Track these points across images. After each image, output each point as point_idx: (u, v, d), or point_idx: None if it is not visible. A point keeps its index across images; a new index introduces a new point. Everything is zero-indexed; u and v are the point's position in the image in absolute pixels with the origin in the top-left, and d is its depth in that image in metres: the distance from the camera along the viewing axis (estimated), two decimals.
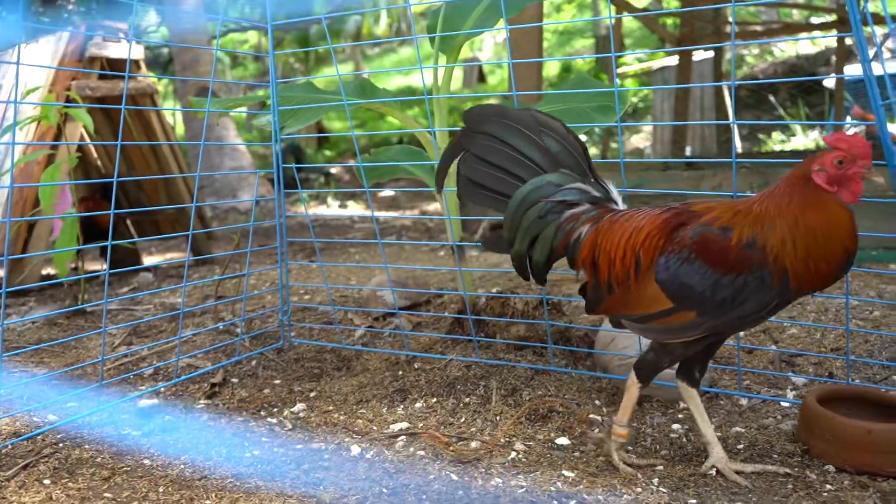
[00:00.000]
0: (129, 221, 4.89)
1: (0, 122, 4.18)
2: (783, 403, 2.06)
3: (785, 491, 1.59)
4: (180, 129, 9.94)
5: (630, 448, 1.83)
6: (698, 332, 1.56)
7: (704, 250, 1.52)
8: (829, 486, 1.60)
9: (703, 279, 1.51)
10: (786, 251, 1.45)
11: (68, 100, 3.57)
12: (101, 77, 4.09)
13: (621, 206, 1.76)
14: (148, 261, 5.10)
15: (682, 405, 2.08)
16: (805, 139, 9.36)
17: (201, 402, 2.27)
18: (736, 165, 1.98)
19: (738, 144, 9.28)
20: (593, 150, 10.42)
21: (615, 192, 1.78)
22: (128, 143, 4.33)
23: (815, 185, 1.46)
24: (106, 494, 1.65)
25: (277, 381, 2.43)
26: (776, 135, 9.59)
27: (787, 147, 9.26)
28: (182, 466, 1.80)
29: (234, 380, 2.46)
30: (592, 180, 1.76)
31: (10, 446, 1.91)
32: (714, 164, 4.75)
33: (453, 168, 1.91)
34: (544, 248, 1.75)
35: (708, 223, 1.55)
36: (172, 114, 11.11)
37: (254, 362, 2.59)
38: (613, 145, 11.62)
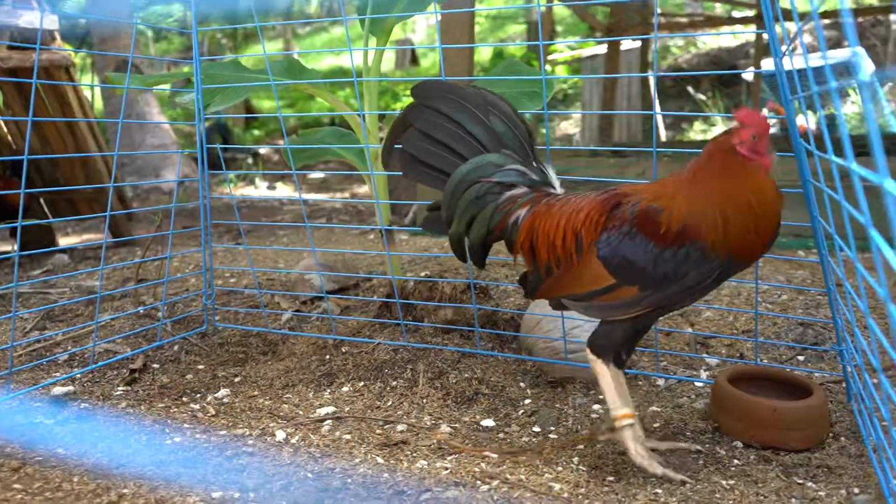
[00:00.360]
0: (42, 201, 4.66)
1: None
2: (697, 383, 2.15)
3: (696, 466, 1.66)
4: (99, 105, 9.51)
5: (553, 427, 1.88)
6: (641, 307, 1.56)
7: (645, 224, 1.53)
8: (736, 461, 1.69)
9: (645, 253, 1.52)
10: (726, 222, 1.48)
11: None
12: (11, 48, 3.87)
13: (559, 190, 1.76)
14: (64, 242, 4.88)
15: None
16: (722, 129, 9.78)
17: (120, 388, 2.20)
18: (657, 154, 2.04)
19: (662, 133, 9.56)
20: None
21: (554, 177, 1.78)
22: (40, 119, 4.12)
23: (742, 157, 1.50)
24: (16, 486, 1.59)
25: (201, 367, 2.38)
26: (698, 125, 9.94)
27: (708, 136, 9.61)
28: (98, 455, 1.74)
29: (156, 365, 2.39)
30: (534, 164, 1.77)
31: None
32: (638, 152, 4.88)
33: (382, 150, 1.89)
34: (481, 229, 1.75)
35: (646, 198, 1.57)
36: (91, 88, 10.62)
37: (176, 347, 2.53)
38: (543, 131, 11.79)
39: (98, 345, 2.47)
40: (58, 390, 2.14)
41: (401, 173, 1.87)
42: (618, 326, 1.62)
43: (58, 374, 2.28)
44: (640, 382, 2.18)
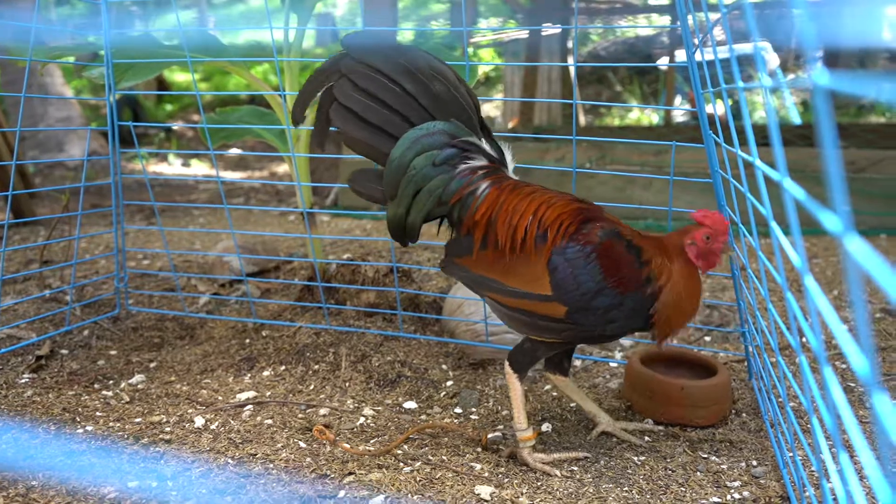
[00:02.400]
0: None
1: None
2: (612, 364, 2.24)
3: (610, 444, 1.74)
4: None
5: (474, 408, 1.92)
6: (558, 334, 1.57)
7: (606, 255, 1.53)
8: (647, 438, 1.77)
9: (591, 281, 1.52)
10: (665, 296, 1.55)
11: None
12: None
13: (511, 173, 1.70)
14: None
15: None
16: (638, 115, 10.05)
17: (25, 375, 2.10)
18: (576, 142, 2.10)
19: (581, 118, 9.78)
20: None
21: (510, 158, 1.71)
22: None
23: (686, 256, 1.57)
24: None
25: (113, 352, 2.30)
26: (615, 111, 10.21)
27: (626, 122, 9.90)
28: (3, 447, 1.67)
29: (64, 351, 2.29)
30: (487, 138, 1.67)
31: None
32: (558, 138, 4.97)
33: (305, 132, 1.85)
34: (429, 199, 1.61)
35: (619, 232, 1.58)
36: None
37: (86, 332, 2.43)
38: None
39: (0, 330, 2.35)
40: None
41: (326, 137, 1.67)
42: (541, 346, 1.63)
43: None
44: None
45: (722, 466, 1.63)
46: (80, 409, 1.88)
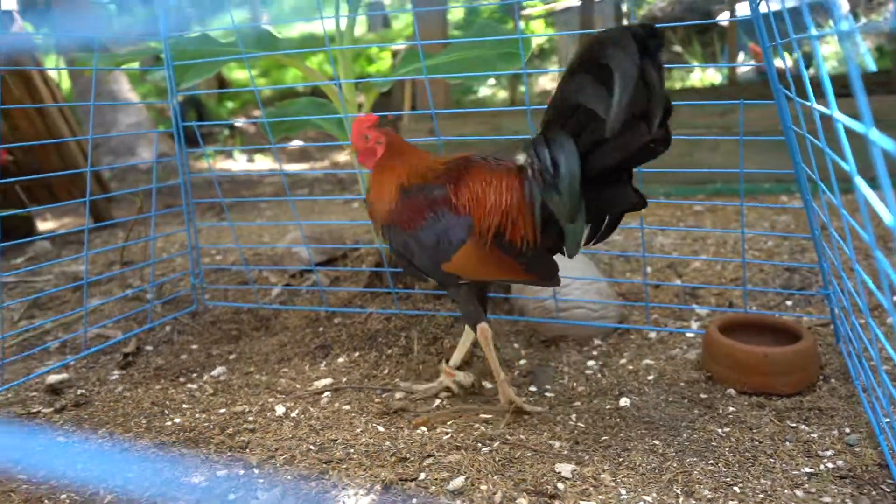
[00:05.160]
0: (18, 188, 4.58)
1: None
2: (688, 334, 2.18)
3: (692, 416, 1.70)
4: (66, 84, 9.29)
5: (549, 385, 1.91)
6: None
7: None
8: (731, 409, 1.72)
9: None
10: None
11: None
12: None
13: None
14: (43, 228, 4.82)
15: (595, 342, 2.17)
16: (703, 75, 9.69)
17: (115, 372, 2.20)
18: None
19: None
20: (502, 95, 10.45)
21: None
22: (9, 107, 4.03)
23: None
24: (19, 476, 1.59)
25: (195, 346, 2.38)
26: (676, 73, 9.88)
27: (687, 84, 9.57)
28: (100, 441, 1.75)
29: (149, 347, 2.39)
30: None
31: None
32: None
33: None
34: None
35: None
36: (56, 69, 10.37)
37: (168, 328, 2.52)
38: (522, 88, 11.69)
39: (89, 330, 2.46)
40: (52, 378, 2.14)
41: None
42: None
43: (51, 363, 2.27)
44: (633, 336, 2.21)
45: (812, 435, 1.57)
46: (167, 402, 1.96)
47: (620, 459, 1.52)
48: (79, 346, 2.39)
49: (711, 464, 1.48)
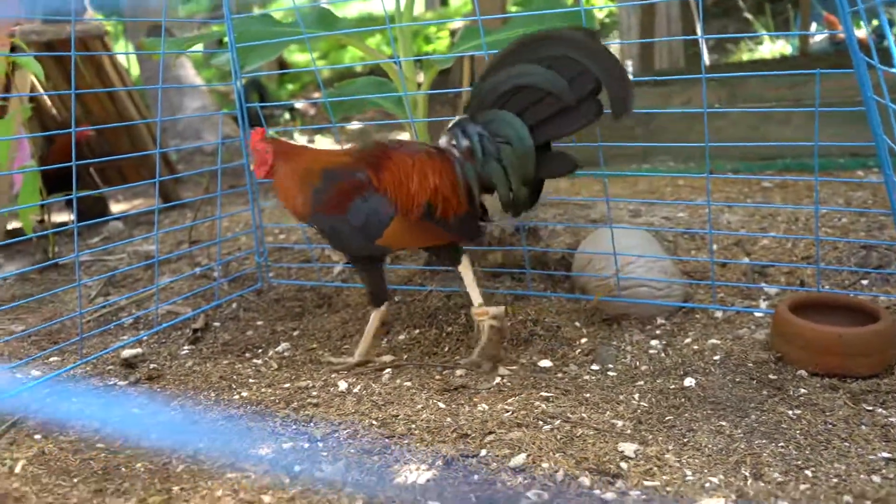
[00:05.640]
0: (92, 170, 4.76)
1: None
2: (756, 314, 2.12)
3: (760, 397, 1.65)
4: (135, 70, 9.57)
5: (611, 364, 1.88)
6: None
7: None
8: (802, 390, 1.66)
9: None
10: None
11: (13, 48, 3.41)
12: (46, 22, 3.90)
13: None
14: (115, 209, 5.00)
15: (658, 321, 2.13)
16: (772, 47, 9.31)
17: (185, 347, 2.27)
18: (705, 81, 1.97)
19: (706, 57, 9.22)
20: None
21: None
22: (83, 91, 4.17)
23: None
24: (98, 445, 1.67)
25: (259, 323, 2.44)
26: (744, 45, 9.52)
27: (756, 56, 9.21)
28: (172, 413, 1.82)
29: (216, 324, 2.46)
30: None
31: None
32: (682, 80, 4.70)
33: (423, 98, 1.86)
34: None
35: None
36: (126, 55, 10.68)
37: (234, 305, 2.59)
38: None
39: (160, 307, 2.55)
40: (127, 353, 2.22)
41: None
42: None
43: (125, 338, 2.37)
44: (698, 315, 2.15)
45: (891, 419, 1.50)
46: (234, 377, 2.01)
47: (686, 440, 1.49)
48: (151, 322, 2.48)
49: (782, 446, 1.44)
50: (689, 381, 1.75)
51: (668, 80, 4.90)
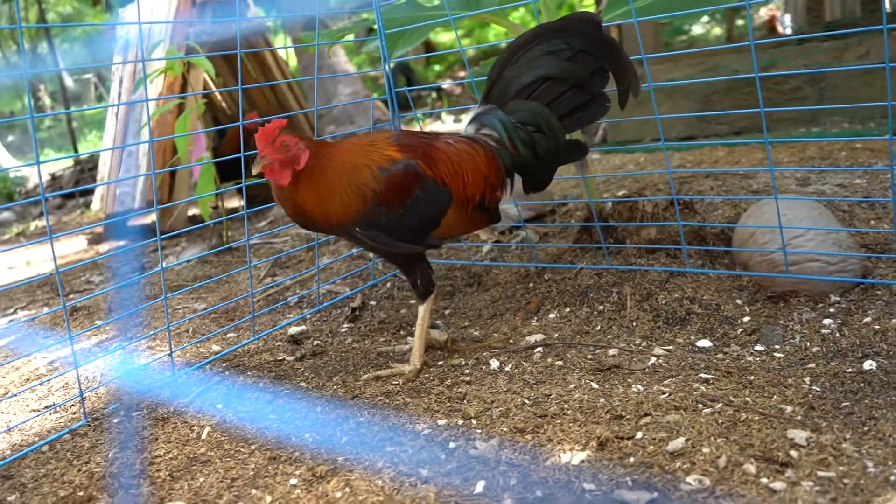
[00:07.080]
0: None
1: (133, 77, 4.43)
2: None
3: None
4: (292, 62, 10.13)
5: (778, 345, 1.76)
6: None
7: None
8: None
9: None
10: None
11: (188, 49, 3.72)
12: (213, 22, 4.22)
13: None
14: None
15: (832, 298, 1.96)
16: None
17: (345, 325, 2.40)
18: (887, 32, 1.77)
19: (887, 3, 8.27)
20: (716, 31, 9.65)
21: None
22: (250, 87, 4.48)
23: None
24: (271, 416, 1.80)
25: (412, 302, 2.52)
26: None
27: None
28: (335, 387, 1.93)
29: (373, 303, 2.57)
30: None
31: (184, 375, 2.11)
32: (860, 31, 4.28)
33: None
34: None
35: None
36: (285, 49, 11.32)
37: (388, 285, 2.69)
38: (740, 22, 10.70)
39: (321, 287, 2.70)
40: (293, 329, 2.38)
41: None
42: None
43: (291, 316, 2.53)
44: (879, 292, 1.96)
45: None
46: (391, 354, 2.10)
47: (866, 428, 1.37)
48: (314, 301, 2.64)
49: None
50: (868, 364, 1.61)
51: (843, 33, 4.46)
